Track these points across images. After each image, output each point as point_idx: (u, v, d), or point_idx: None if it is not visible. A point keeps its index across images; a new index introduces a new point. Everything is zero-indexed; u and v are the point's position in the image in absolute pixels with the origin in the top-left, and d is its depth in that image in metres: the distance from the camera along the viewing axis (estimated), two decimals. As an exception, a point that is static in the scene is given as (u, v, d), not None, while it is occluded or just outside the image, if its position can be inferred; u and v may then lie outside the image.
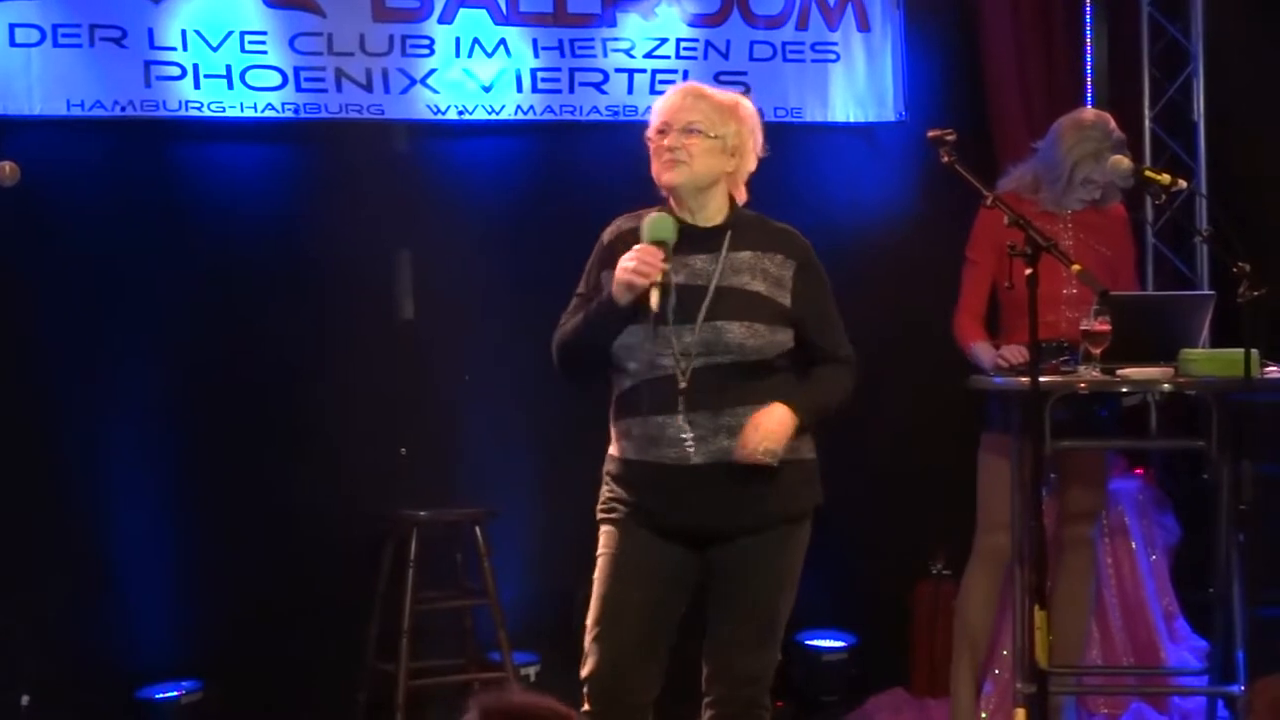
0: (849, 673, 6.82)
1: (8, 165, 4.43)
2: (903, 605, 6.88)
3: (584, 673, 4.42)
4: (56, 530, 6.11)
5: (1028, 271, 4.64)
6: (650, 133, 4.45)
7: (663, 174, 4.39)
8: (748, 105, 4.55)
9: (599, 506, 4.52)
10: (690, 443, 4.29)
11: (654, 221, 4.35)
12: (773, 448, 4.28)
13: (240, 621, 6.29)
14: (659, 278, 4.24)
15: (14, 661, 6.03)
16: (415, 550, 5.96)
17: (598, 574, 4.46)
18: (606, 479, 4.51)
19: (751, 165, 4.53)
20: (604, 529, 4.48)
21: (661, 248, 4.28)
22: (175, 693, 6.10)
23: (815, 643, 6.85)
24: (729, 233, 4.42)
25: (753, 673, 4.46)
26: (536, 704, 2.58)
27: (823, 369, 4.49)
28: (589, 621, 4.45)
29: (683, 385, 4.29)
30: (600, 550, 4.47)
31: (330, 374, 6.41)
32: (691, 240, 4.38)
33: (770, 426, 4.28)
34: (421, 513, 6.00)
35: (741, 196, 4.52)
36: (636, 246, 4.30)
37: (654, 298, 4.24)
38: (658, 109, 4.47)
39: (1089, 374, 5.36)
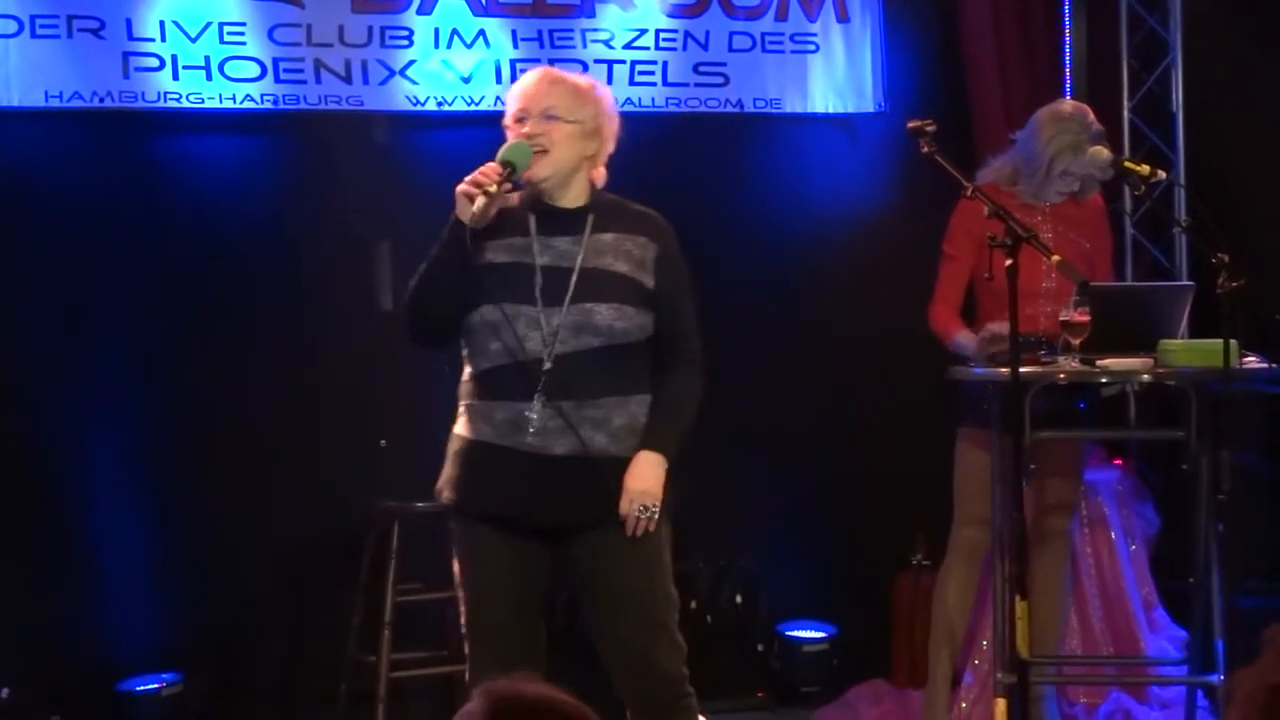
0: (829, 663, 6.83)
1: (-14, 156, 4.42)
2: (883, 596, 6.89)
3: (467, 670, 4.46)
4: (36, 523, 6.11)
5: (1008, 263, 4.65)
6: (508, 120, 4.44)
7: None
8: (604, 87, 4.56)
9: (447, 489, 4.44)
10: (547, 432, 4.26)
11: (510, 145, 4.33)
12: (649, 504, 4.28)
13: (221, 614, 6.29)
14: (493, 188, 4.20)
15: (-6, 654, 6.04)
16: (397, 542, 5.95)
17: (461, 577, 4.44)
18: (456, 460, 4.43)
19: (610, 147, 4.50)
20: (458, 521, 4.44)
21: (507, 168, 4.25)
22: (156, 685, 6.10)
23: (795, 633, 6.87)
24: (591, 215, 4.40)
25: (667, 666, 4.41)
26: (546, 694, 2.57)
27: (672, 380, 4.45)
28: (465, 622, 4.44)
29: (547, 367, 4.26)
30: (459, 549, 4.44)
31: (310, 365, 6.41)
32: (554, 222, 4.38)
33: (640, 487, 4.28)
34: (402, 504, 5.99)
35: (601, 179, 4.50)
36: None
37: (478, 202, 4.19)
38: (514, 95, 4.46)
39: (1068, 365, 5.37)
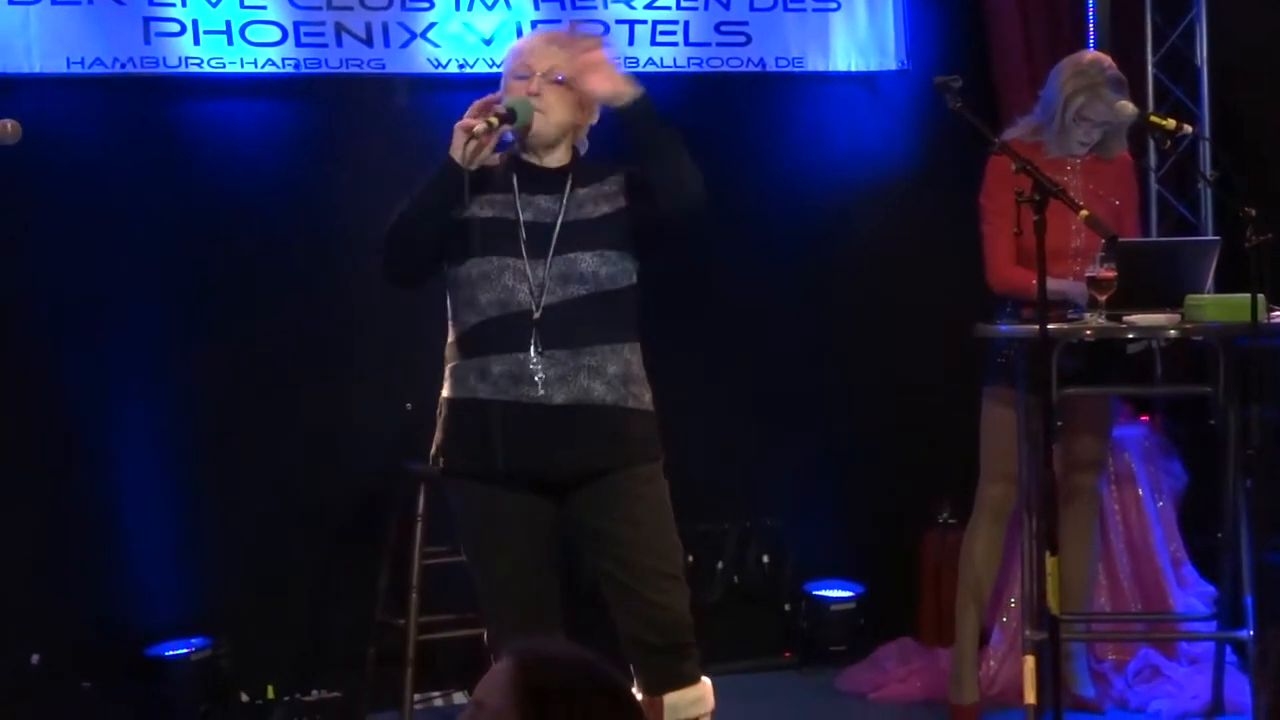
0: (856, 622, 6.84)
1: (9, 123, 4.39)
2: (910, 555, 6.89)
3: (486, 635, 4.48)
4: (63, 489, 6.11)
5: (1035, 218, 4.63)
6: (507, 76, 4.43)
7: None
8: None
9: (439, 454, 4.44)
10: (549, 381, 4.25)
11: (515, 98, 4.32)
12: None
13: (249, 578, 6.30)
14: (494, 120, 4.20)
15: (24, 620, 6.03)
16: (423, 505, 5.94)
17: (473, 544, 4.43)
18: (449, 424, 4.42)
19: (595, 119, 4.49)
20: (459, 487, 4.43)
21: (508, 111, 4.25)
22: (185, 650, 6.11)
23: (823, 593, 6.88)
24: (570, 174, 4.41)
25: (676, 607, 4.38)
26: (574, 654, 2.57)
27: None
28: (482, 594, 4.45)
29: (536, 317, 4.25)
30: (464, 517, 4.44)
31: (334, 329, 6.41)
32: (536, 180, 4.39)
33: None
34: (428, 467, 5.96)
35: (584, 147, 4.51)
36: None
37: (479, 126, 4.18)
38: (515, 51, 4.47)
39: (1095, 321, 5.35)
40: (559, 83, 4.33)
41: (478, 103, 4.29)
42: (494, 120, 4.20)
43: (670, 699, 4.36)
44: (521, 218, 4.31)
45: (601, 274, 4.30)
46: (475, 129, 4.18)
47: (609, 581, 4.40)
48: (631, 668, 4.38)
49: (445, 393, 4.45)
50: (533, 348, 4.24)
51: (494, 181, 4.37)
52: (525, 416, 4.26)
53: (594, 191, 4.39)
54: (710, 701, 4.46)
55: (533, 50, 4.42)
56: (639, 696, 4.38)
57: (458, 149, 4.22)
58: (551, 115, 4.34)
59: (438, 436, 4.46)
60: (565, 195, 4.36)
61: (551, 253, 4.28)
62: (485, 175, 4.34)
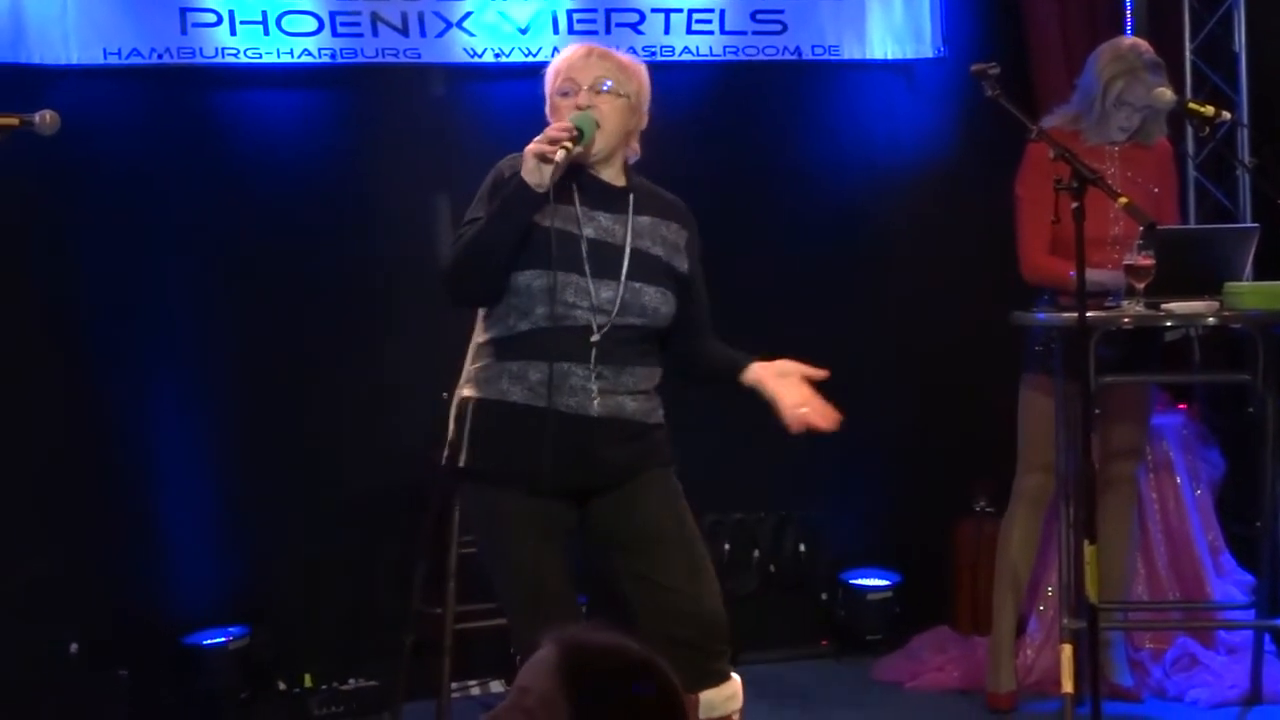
0: (893, 611, 6.83)
1: (48, 114, 4.41)
2: (946, 543, 6.88)
3: (519, 645, 4.46)
4: (102, 478, 6.14)
5: (1074, 205, 4.62)
6: (551, 93, 4.39)
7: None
8: (641, 63, 4.49)
9: (463, 453, 4.36)
10: (595, 394, 4.24)
11: (577, 114, 4.27)
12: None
13: (287, 567, 6.34)
14: (570, 146, 4.14)
15: (62, 609, 6.07)
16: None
17: (494, 545, 4.38)
18: (474, 422, 4.35)
19: (644, 123, 4.47)
20: (478, 490, 4.37)
21: (578, 132, 4.19)
22: (223, 638, 6.14)
23: (859, 581, 6.87)
24: (632, 195, 4.38)
25: (713, 606, 4.35)
26: (616, 641, 2.57)
27: (719, 343, 4.53)
28: (504, 598, 4.40)
29: (596, 338, 4.22)
30: (484, 519, 4.40)
31: (371, 319, 6.42)
32: (598, 195, 4.35)
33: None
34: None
35: (636, 153, 4.48)
36: None
37: (559, 155, 4.11)
38: (558, 69, 4.39)
39: (1133, 309, 5.33)
40: (605, 91, 4.31)
41: (547, 130, 4.18)
42: (569, 145, 4.14)
43: (704, 696, 4.35)
44: (584, 233, 4.28)
45: (661, 311, 4.31)
46: (556, 158, 4.11)
47: (640, 582, 4.37)
48: None
49: (468, 392, 4.40)
50: (584, 364, 4.23)
51: (556, 192, 4.24)
52: (559, 426, 4.22)
53: (655, 227, 4.38)
54: (740, 698, 4.46)
55: (576, 66, 4.35)
56: None
57: (532, 174, 4.14)
58: (608, 124, 4.30)
59: (454, 434, 4.40)
60: (629, 218, 4.35)
61: (623, 277, 4.26)
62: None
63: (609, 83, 4.32)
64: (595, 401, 4.24)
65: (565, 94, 4.34)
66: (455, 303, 4.39)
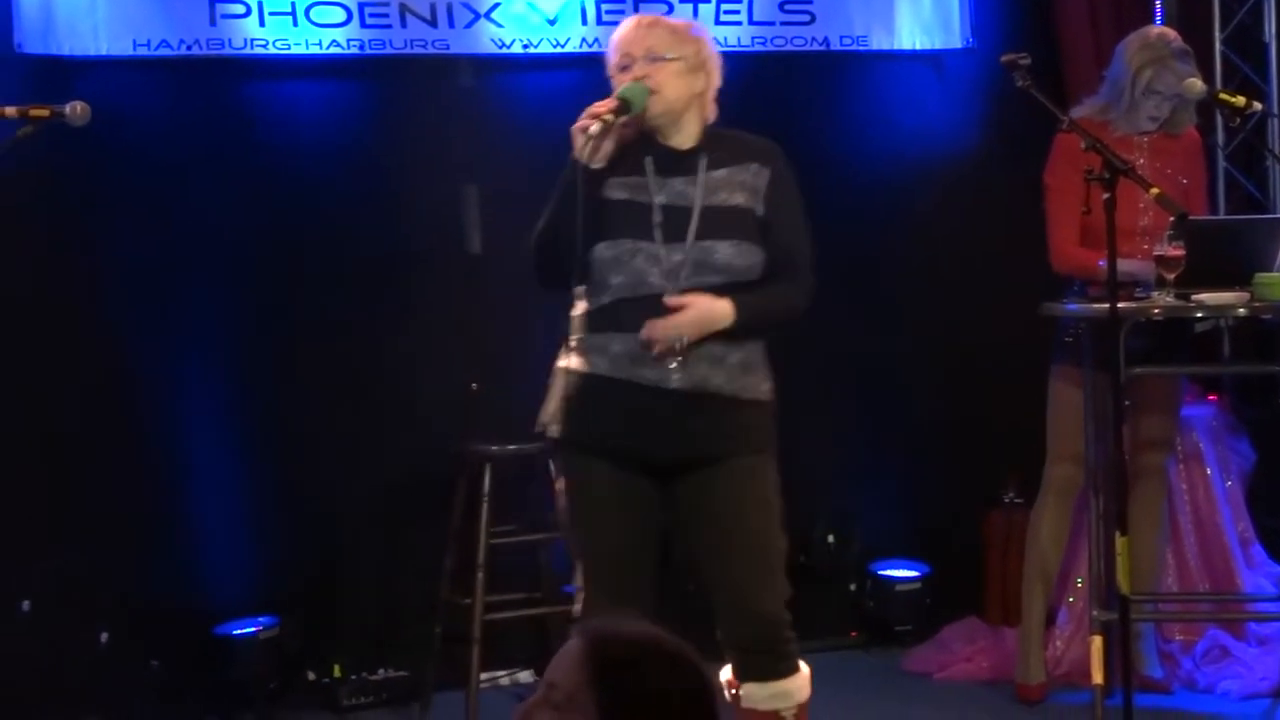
0: (922, 602, 6.82)
1: (79, 105, 4.43)
2: (975, 534, 6.87)
3: (579, 605, 4.43)
4: (133, 468, 6.14)
5: (1105, 196, 4.60)
6: (612, 70, 4.41)
7: None
8: (699, 25, 4.56)
9: (554, 423, 4.41)
10: (672, 365, 4.24)
11: (626, 85, 4.31)
12: (680, 333, 4.22)
13: (317, 557, 6.34)
14: (609, 117, 4.17)
15: (92, 599, 6.08)
16: (489, 485, 5.95)
17: (573, 514, 4.41)
18: (565, 393, 4.39)
19: (717, 81, 4.47)
20: (567, 457, 4.41)
21: (621, 103, 4.23)
22: (253, 629, 6.14)
23: (888, 573, 6.86)
24: (704, 155, 4.38)
25: (773, 605, 4.39)
26: (646, 632, 2.57)
27: (778, 282, 4.39)
28: (580, 565, 4.41)
29: (667, 302, 4.23)
30: (570, 487, 4.41)
31: (399, 310, 6.42)
32: (670, 162, 4.37)
33: (686, 317, 4.22)
34: (494, 447, 5.99)
35: (712, 114, 4.47)
36: None
37: (594, 127, 4.15)
38: (613, 45, 4.42)
39: (1164, 300, 5.32)
40: (659, 60, 4.32)
41: (592, 105, 4.23)
42: (609, 117, 4.17)
43: (763, 687, 4.38)
44: (656, 200, 4.30)
45: (736, 265, 4.28)
46: (591, 130, 4.15)
47: (705, 575, 4.40)
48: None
49: (563, 362, 4.44)
50: None
51: (628, 163, 4.34)
52: (642, 398, 4.26)
53: (730, 176, 4.37)
54: (803, 693, 4.47)
55: (628, 39, 4.38)
56: (728, 677, 4.44)
57: (580, 149, 4.19)
58: (667, 90, 4.32)
59: (552, 404, 4.44)
60: (700, 177, 4.35)
61: (690, 238, 4.26)
62: (619, 156, 4.31)
63: (662, 50, 4.33)
64: (672, 373, 4.25)
65: (624, 68, 4.37)
66: (541, 285, 4.48)
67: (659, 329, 4.20)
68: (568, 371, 4.41)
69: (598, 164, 4.24)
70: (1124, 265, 5.33)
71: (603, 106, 4.21)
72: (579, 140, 4.19)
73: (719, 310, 4.24)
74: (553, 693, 2.49)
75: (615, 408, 4.29)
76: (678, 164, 4.37)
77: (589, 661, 2.48)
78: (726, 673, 4.45)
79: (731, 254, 4.28)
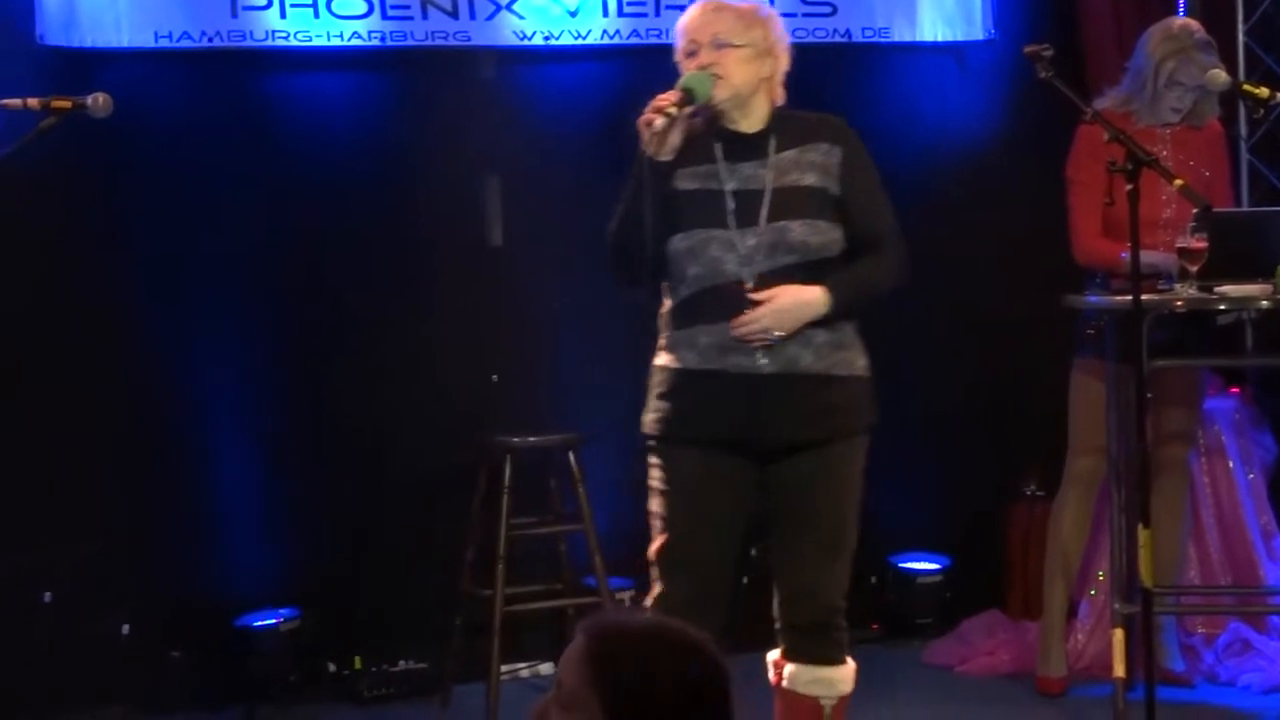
0: (943, 595, 6.82)
1: (101, 97, 4.43)
2: (996, 527, 6.86)
3: (653, 598, 4.40)
4: (152, 460, 6.16)
5: (1128, 188, 4.59)
6: (679, 56, 4.39)
7: None
8: (767, 7, 4.52)
9: (648, 424, 4.40)
10: (760, 352, 4.24)
11: (690, 74, 4.30)
12: (774, 328, 4.21)
13: (337, 549, 6.34)
14: (673, 110, 4.15)
15: (114, 592, 6.10)
16: (509, 476, 5.95)
17: (661, 501, 4.37)
18: (659, 391, 4.39)
19: (785, 64, 4.46)
20: (661, 451, 4.39)
21: (685, 94, 4.22)
22: (274, 620, 6.16)
23: (909, 565, 6.86)
24: (773, 137, 4.37)
25: (830, 591, 4.40)
26: (651, 625, 2.55)
27: (867, 257, 4.40)
28: (658, 547, 4.38)
29: (749, 290, 4.23)
30: (660, 477, 4.38)
31: (420, 302, 6.43)
32: (739, 147, 4.35)
33: (777, 304, 4.21)
34: (514, 439, 5.99)
35: (780, 98, 4.45)
36: None
37: (658, 122, 4.13)
38: (680, 30, 4.41)
39: (1186, 292, 5.30)
40: (724, 46, 4.30)
41: (657, 98, 4.20)
42: (673, 109, 4.16)
43: (812, 671, 4.40)
44: (727, 187, 4.29)
45: (812, 243, 4.27)
46: (656, 124, 4.14)
47: (777, 552, 4.42)
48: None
49: (657, 361, 4.43)
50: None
51: (697, 152, 4.33)
52: (735, 386, 4.25)
53: (800, 156, 4.35)
54: (847, 685, 4.48)
55: (694, 24, 4.37)
56: (775, 658, 4.48)
57: (646, 143, 4.18)
58: (732, 79, 4.31)
59: (649, 403, 4.42)
60: (770, 159, 4.33)
61: (763, 220, 4.25)
62: (688, 146, 4.30)
63: (728, 36, 4.31)
64: (762, 358, 4.24)
65: (691, 54, 4.36)
66: (619, 285, 4.44)
67: (745, 325, 4.21)
68: (660, 369, 4.41)
69: (665, 157, 4.24)
70: (1146, 257, 5.30)
71: (666, 99, 4.19)
72: (645, 134, 4.18)
73: (809, 299, 4.24)
74: (561, 691, 2.48)
75: (710, 400, 4.29)
76: (746, 148, 4.35)
77: (590, 659, 2.46)
78: (774, 654, 4.48)
79: (806, 232, 4.27)
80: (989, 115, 7.08)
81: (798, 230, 4.26)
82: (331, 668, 6.33)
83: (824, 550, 4.37)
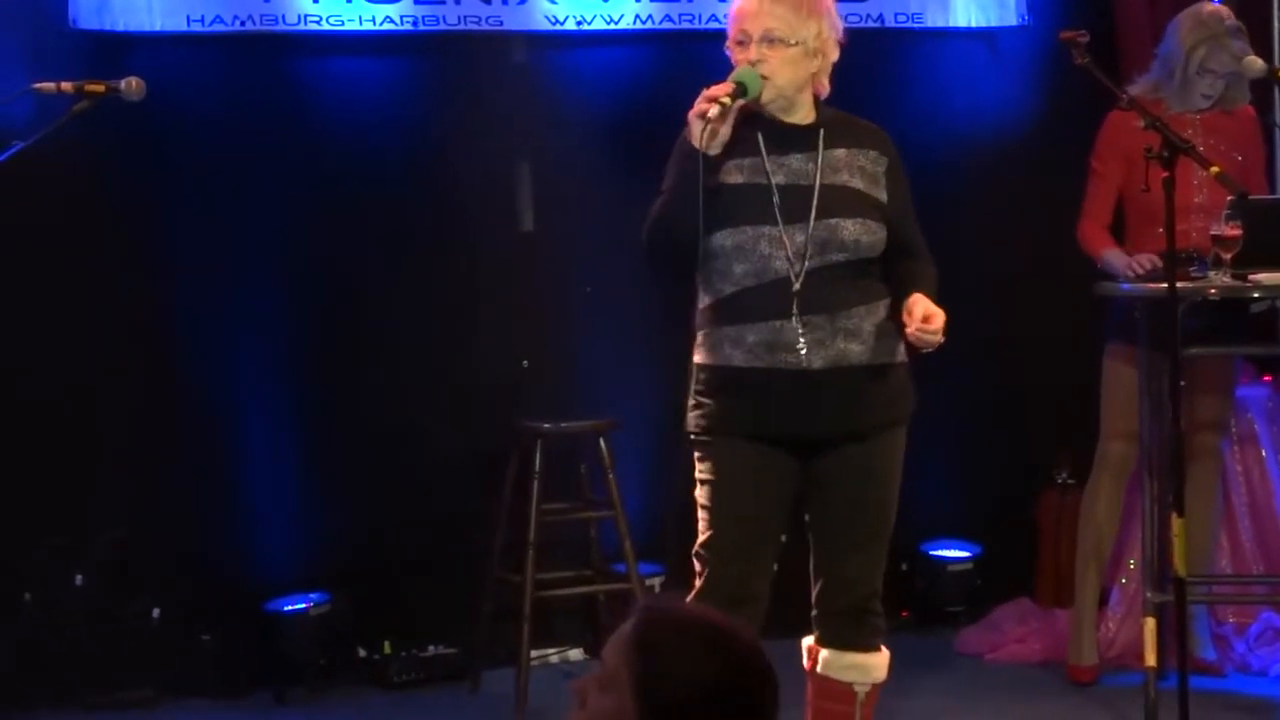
0: (974, 583, 6.80)
1: (134, 81, 4.45)
2: (1027, 515, 6.84)
3: (696, 589, 4.35)
4: (183, 444, 6.17)
5: (1164, 175, 4.57)
6: (730, 43, 4.35)
7: None
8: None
9: (694, 422, 4.37)
10: (808, 347, 4.20)
11: (742, 69, 4.24)
12: (936, 326, 4.20)
13: (367, 534, 6.35)
14: (727, 100, 4.11)
15: (144, 575, 6.12)
16: (540, 462, 5.95)
17: (710, 494, 4.34)
18: (700, 392, 4.36)
19: (834, 57, 4.40)
20: (706, 446, 4.35)
21: (738, 87, 4.17)
22: (304, 605, 6.16)
23: (940, 553, 6.84)
24: (821, 131, 4.33)
25: (867, 579, 4.41)
26: (699, 613, 2.55)
27: (917, 264, 4.41)
28: (705, 539, 4.34)
29: (797, 288, 4.19)
30: (706, 471, 4.35)
31: (451, 286, 6.42)
32: (785, 139, 4.31)
33: (939, 312, 4.21)
34: (545, 425, 6.00)
35: (825, 90, 4.41)
36: None
37: (712, 110, 4.08)
38: (734, 15, 4.35)
39: (1220, 280, 5.29)
40: (776, 43, 4.25)
41: (706, 90, 4.16)
42: (726, 100, 4.11)
43: (846, 657, 4.41)
44: (773, 181, 4.25)
45: (863, 242, 4.25)
46: (709, 114, 4.09)
47: (818, 538, 4.42)
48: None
49: (698, 358, 4.39)
50: (793, 316, 4.20)
51: (741, 144, 4.26)
52: (785, 383, 4.22)
53: (850, 158, 4.32)
54: (880, 672, 4.48)
55: (748, 13, 4.29)
56: (810, 644, 4.48)
57: (696, 135, 4.13)
58: (778, 78, 4.26)
59: (691, 403, 4.39)
60: (819, 154, 4.30)
61: (812, 217, 4.22)
62: (732, 138, 4.23)
63: (781, 33, 4.25)
64: (813, 354, 4.21)
65: (740, 43, 4.31)
66: (655, 275, 4.47)
67: (927, 340, 4.20)
68: (705, 368, 4.37)
69: (714, 150, 4.18)
70: (1110, 257, 5.72)
71: (720, 90, 4.14)
72: (697, 126, 4.13)
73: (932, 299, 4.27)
74: (602, 670, 2.49)
75: (761, 397, 4.25)
76: (793, 140, 4.31)
77: (635, 643, 2.46)
78: (809, 640, 4.48)
79: (859, 231, 4.25)
80: (1021, 101, 7.05)
81: (851, 228, 4.24)
82: (361, 652, 6.33)
83: (868, 539, 4.39)
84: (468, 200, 6.45)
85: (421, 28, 6.33)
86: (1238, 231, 5.20)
